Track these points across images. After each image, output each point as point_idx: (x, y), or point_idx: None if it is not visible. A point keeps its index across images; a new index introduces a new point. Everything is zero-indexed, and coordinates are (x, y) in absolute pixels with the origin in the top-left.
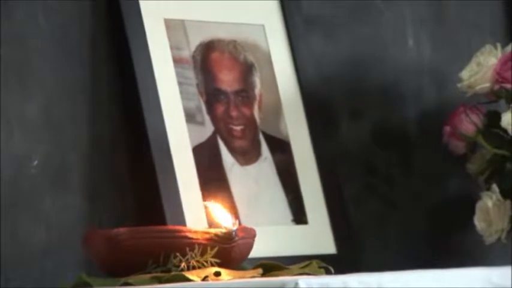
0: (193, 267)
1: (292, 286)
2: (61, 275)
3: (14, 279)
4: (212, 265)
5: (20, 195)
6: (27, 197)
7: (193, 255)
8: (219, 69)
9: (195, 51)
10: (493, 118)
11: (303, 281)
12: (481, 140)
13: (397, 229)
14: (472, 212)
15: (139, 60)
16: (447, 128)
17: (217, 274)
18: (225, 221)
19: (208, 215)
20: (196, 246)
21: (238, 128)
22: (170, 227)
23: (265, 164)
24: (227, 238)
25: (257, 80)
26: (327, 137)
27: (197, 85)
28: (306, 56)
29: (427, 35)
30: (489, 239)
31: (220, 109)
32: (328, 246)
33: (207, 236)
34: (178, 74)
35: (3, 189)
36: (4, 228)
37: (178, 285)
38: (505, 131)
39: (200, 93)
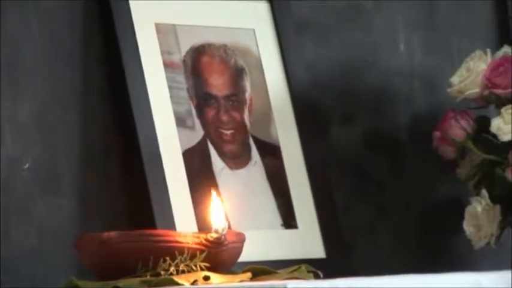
0: (183, 271)
1: None
2: (52, 278)
3: (5, 282)
4: (201, 269)
5: (12, 198)
6: (19, 200)
7: (183, 259)
8: (210, 74)
9: (185, 56)
10: (483, 123)
11: (292, 285)
12: (470, 145)
13: (387, 234)
14: (462, 216)
15: (130, 65)
16: (437, 133)
17: (207, 278)
18: (220, 224)
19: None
20: (186, 250)
21: (229, 132)
22: (160, 231)
23: (255, 168)
24: (216, 242)
25: (247, 85)
26: (317, 142)
27: (187, 89)
28: (297, 60)
29: (418, 39)
30: (478, 243)
31: (210, 113)
32: (317, 250)
33: (197, 240)
34: (168, 79)
35: None
36: None
37: None
38: (494, 136)
39: (190, 97)
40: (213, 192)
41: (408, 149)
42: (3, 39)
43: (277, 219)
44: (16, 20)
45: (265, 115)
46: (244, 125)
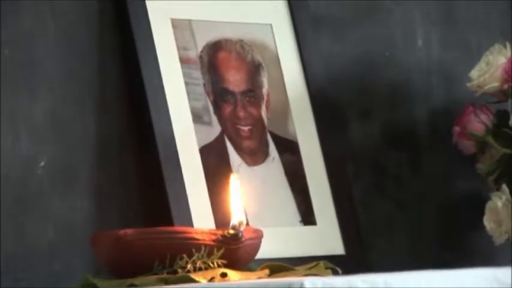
0: (200, 269)
1: (298, 286)
2: (69, 275)
3: (22, 279)
4: (219, 266)
5: (28, 196)
6: (35, 198)
7: (200, 256)
8: (226, 69)
9: (202, 51)
10: (503, 117)
11: (309, 281)
12: (490, 139)
13: (406, 229)
14: (482, 212)
15: (146, 61)
16: (456, 128)
17: (224, 275)
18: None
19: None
20: (203, 247)
21: (246, 128)
22: (177, 228)
23: (273, 164)
24: (234, 239)
25: (265, 80)
26: (335, 137)
27: (204, 85)
28: (314, 55)
29: (436, 34)
30: (499, 239)
31: (227, 109)
32: (336, 247)
33: (214, 237)
34: (185, 74)
35: (11, 190)
36: (12, 228)
37: (184, 287)
38: None
39: (207, 93)
40: (232, 180)
41: (427, 144)
42: (18, 36)
43: (296, 216)
44: (31, 19)
45: (283, 111)
46: (262, 121)
